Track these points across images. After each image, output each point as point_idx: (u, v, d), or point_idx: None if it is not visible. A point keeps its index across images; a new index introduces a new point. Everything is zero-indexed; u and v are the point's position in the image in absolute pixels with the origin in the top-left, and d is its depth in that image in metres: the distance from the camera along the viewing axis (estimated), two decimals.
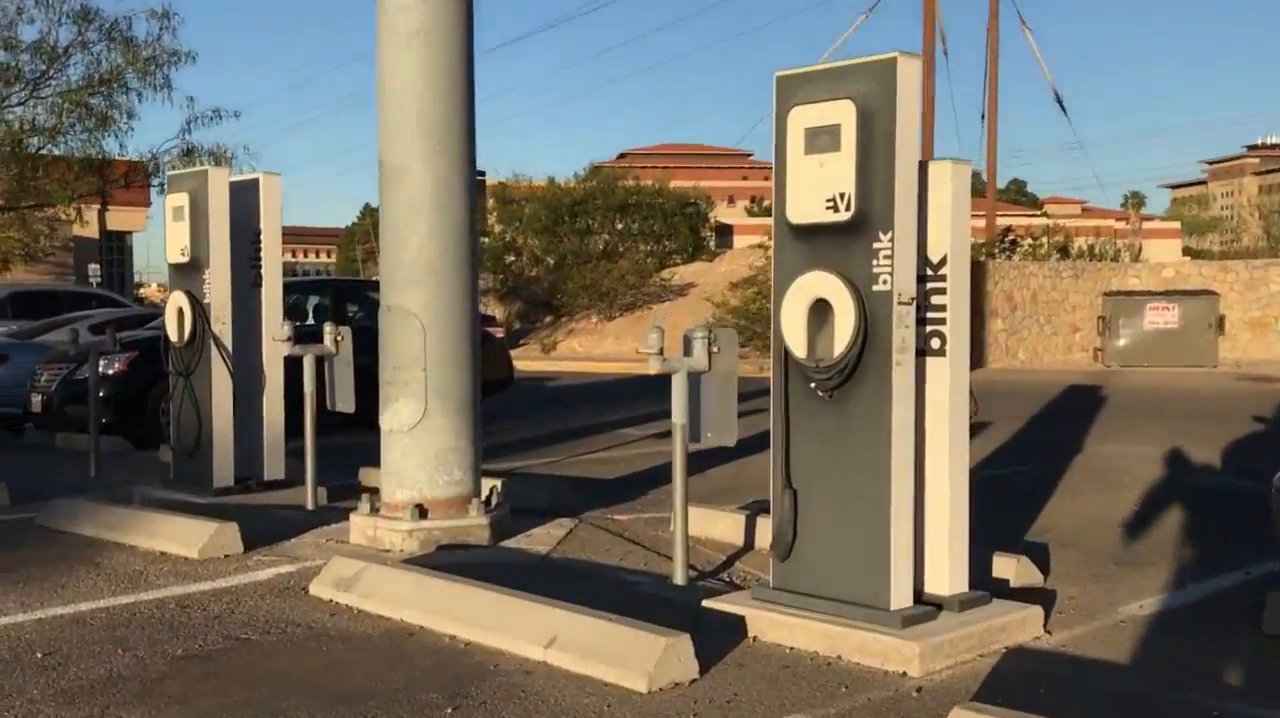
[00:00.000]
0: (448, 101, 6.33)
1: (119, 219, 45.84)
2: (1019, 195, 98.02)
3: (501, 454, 10.66)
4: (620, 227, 39.95)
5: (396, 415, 6.39)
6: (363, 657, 4.48)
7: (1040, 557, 6.08)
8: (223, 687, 4.13)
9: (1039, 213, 68.20)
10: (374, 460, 6.86)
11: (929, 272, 4.71)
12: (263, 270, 7.95)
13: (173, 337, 7.89)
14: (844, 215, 4.54)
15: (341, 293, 13.60)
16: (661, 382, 5.44)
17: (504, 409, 13.78)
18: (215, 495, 7.65)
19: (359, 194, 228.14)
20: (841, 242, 4.59)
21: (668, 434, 5.50)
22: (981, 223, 26.20)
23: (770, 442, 4.80)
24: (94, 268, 31.15)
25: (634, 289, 31.51)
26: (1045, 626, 4.83)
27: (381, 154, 6.46)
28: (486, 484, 7.62)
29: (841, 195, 4.54)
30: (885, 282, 4.49)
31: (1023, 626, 4.73)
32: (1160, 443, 10.36)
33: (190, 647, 4.61)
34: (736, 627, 4.73)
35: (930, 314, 4.72)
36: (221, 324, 7.73)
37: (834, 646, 4.49)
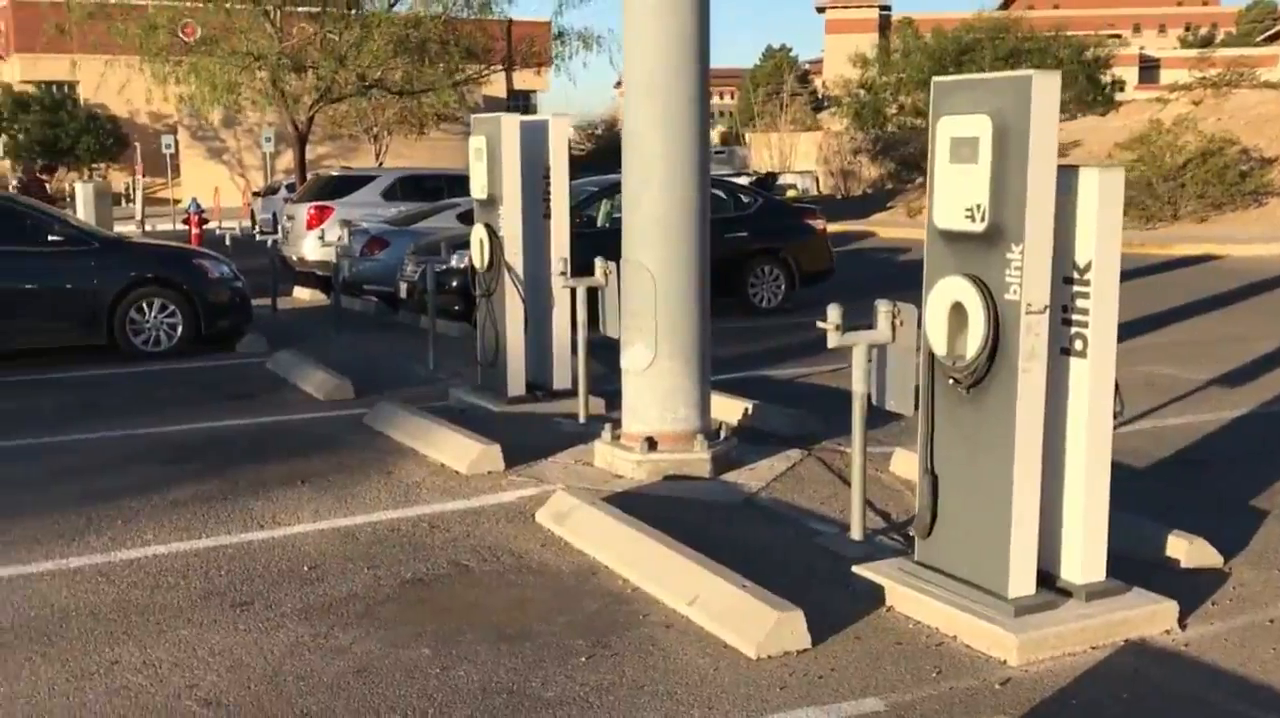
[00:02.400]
0: (679, 74, 6.81)
1: (524, 80, 48.97)
2: None
3: (793, 356, 11.22)
4: None
5: (632, 357, 7.14)
6: (545, 595, 5.33)
7: (1248, 527, 6.06)
8: (424, 615, 5.11)
9: None
10: None
11: (1075, 274, 4.83)
12: (551, 204, 8.82)
13: (476, 263, 8.97)
14: (979, 226, 4.75)
15: None
16: None
17: (834, 292, 14.22)
18: (508, 403, 8.77)
19: (760, 36, 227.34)
20: (977, 250, 4.81)
21: None
22: None
23: (919, 424, 5.16)
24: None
25: None
26: (1187, 618, 4.96)
27: (625, 120, 7.08)
28: (739, 407, 8.33)
29: (977, 206, 4.75)
30: (1015, 292, 4.69)
31: (1151, 619, 4.90)
32: None
33: (419, 570, 5.64)
34: (879, 595, 5.20)
35: (1075, 317, 4.85)
36: (513, 254, 8.71)
37: (953, 626, 4.88)
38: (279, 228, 18.27)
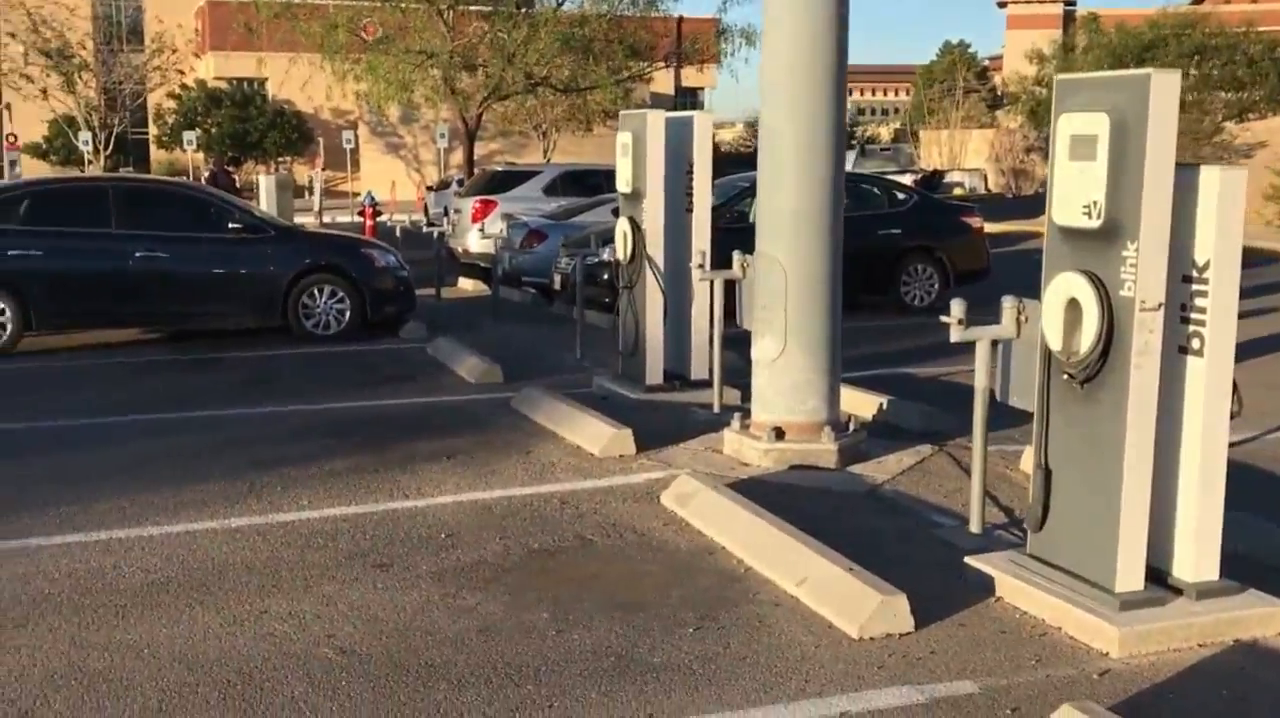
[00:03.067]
0: (814, 74, 6.97)
1: (692, 77, 49.33)
2: None
3: (940, 354, 11.17)
4: (1195, 74, 36.73)
5: (762, 349, 7.32)
6: (662, 570, 5.58)
7: None
8: (546, 583, 5.41)
9: None
10: None
11: (1194, 273, 4.84)
12: (694, 199, 9.05)
13: (620, 255, 9.28)
14: (1095, 223, 4.80)
15: None
16: None
17: (989, 290, 14.10)
18: (645, 392, 9.05)
19: (939, 30, 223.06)
20: (1094, 246, 4.86)
21: None
22: None
23: (1034, 419, 5.23)
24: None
25: (1188, 150, 29.33)
26: None
27: (761, 115, 7.27)
28: (874, 402, 8.43)
29: (1095, 203, 4.80)
30: (1130, 288, 4.73)
31: (1265, 620, 4.86)
32: None
33: (546, 542, 5.96)
34: (989, 585, 5.29)
35: (1193, 315, 4.85)
36: (654, 247, 8.98)
37: (1059, 618, 4.95)
38: (447, 221, 18.99)
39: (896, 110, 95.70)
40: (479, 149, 38.87)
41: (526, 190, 18.64)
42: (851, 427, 7.49)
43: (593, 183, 19.15)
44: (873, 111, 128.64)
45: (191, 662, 4.58)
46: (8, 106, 41.84)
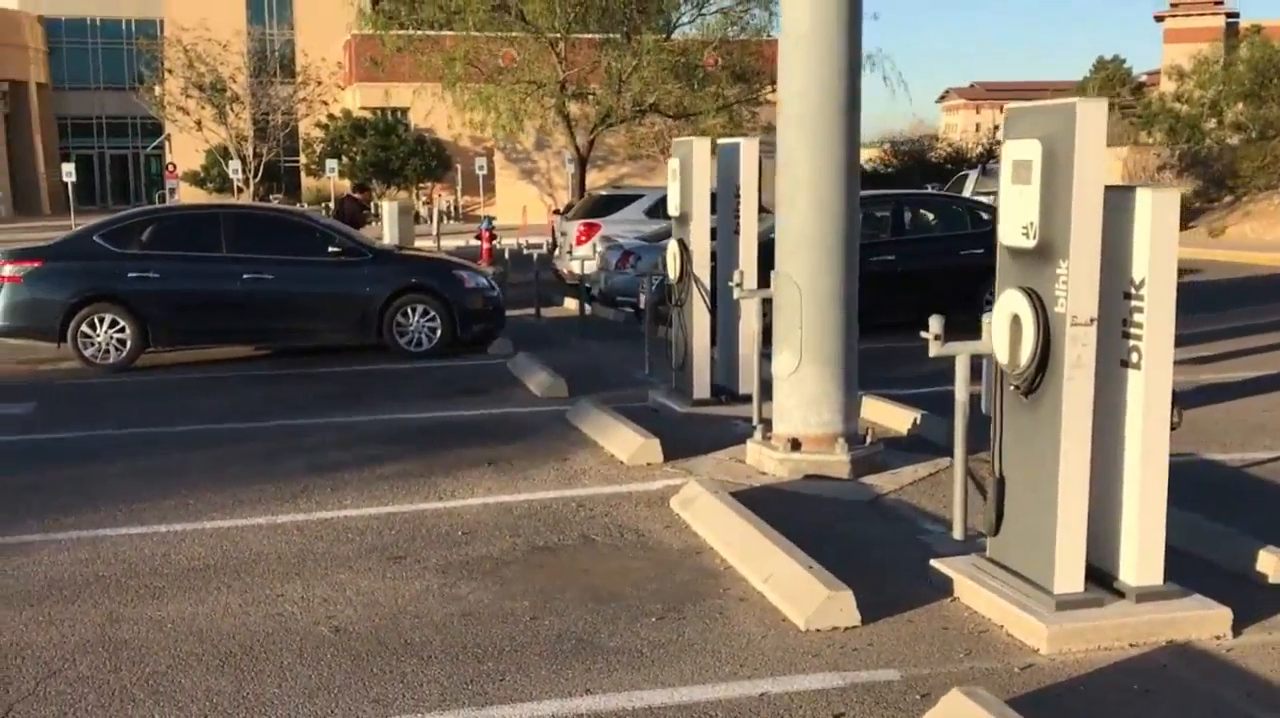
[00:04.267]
0: (825, 104, 7.34)
1: None
2: None
3: None
4: None
5: (779, 363, 7.69)
6: (648, 566, 6.01)
7: None
8: (538, 575, 5.89)
9: None
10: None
11: (1131, 290, 5.08)
12: (741, 221, 9.46)
13: (670, 275, 9.74)
14: (1031, 242, 5.09)
15: (901, 206, 14.73)
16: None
17: None
18: (693, 405, 9.48)
19: (1094, 47, 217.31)
20: (1032, 265, 5.15)
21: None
22: None
23: (990, 429, 5.51)
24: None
25: None
26: (1245, 627, 5.08)
27: (778, 141, 7.67)
28: (909, 417, 8.70)
29: (1031, 224, 5.09)
30: (1063, 304, 5.00)
31: (1200, 623, 5.05)
32: None
33: (551, 540, 6.44)
34: (949, 587, 5.58)
35: (1132, 330, 5.09)
36: (701, 267, 9.42)
37: (1002, 617, 5.22)
38: (556, 244, 19.67)
39: None
40: (610, 173, 39.80)
41: (629, 213, 19.20)
42: (869, 439, 7.79)
43: None
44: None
45: (204, 635, 5.20)
46: (168, 137, 44.45)
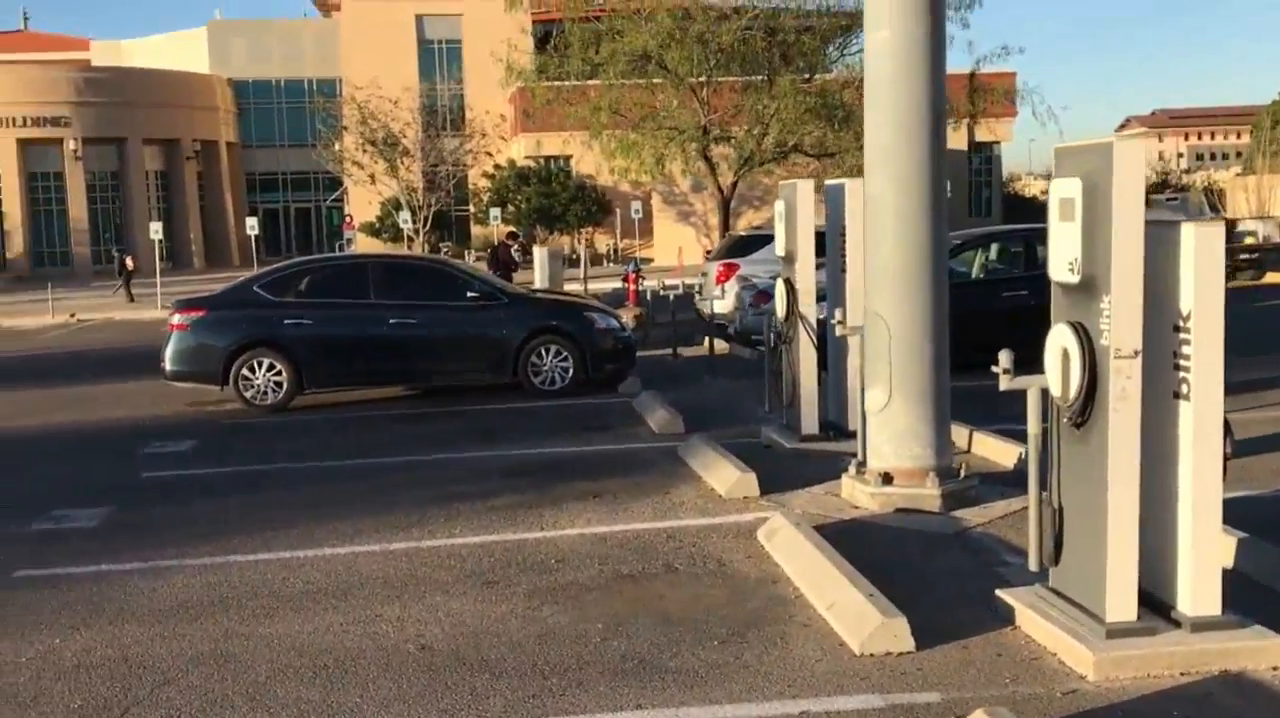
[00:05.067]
0: (911, 142, 7.54)
1: (988, 130, 48.70)
2: None
3: None
4: None
5: (871, 399, 7.87)
6: (723, 593, 6.27)
7: None
8: (616, 601, 6.22)
9: None
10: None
11: (1180, 323, 5.15)
12: (847, 260, 9.66)
13: (779, 313, 9.99)
14: (1075, 278, 5.23)
15: (1034, 241, 14.62)
16: None
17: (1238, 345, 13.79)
18: (800, 441, 9.68)
19: None
20: (1078, 300, 5.28)
21: None
22: None
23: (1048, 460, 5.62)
24: None
25: None
26: None
27: (865, 183, 7.88)
28: (1015, 452, 8.74)
29: (1075, 260, 5.23)
30: (1108, 338, 5.11)
31: (1256, 654, 5.06)
32: None
33: (635, 568, 6.77)
34: (1011, 616, 5.69)
35: (1181, 362, 5.16)
36: (807, 305, 9.65)
37: (1056, 644, 5.31)
38: (699, 284, 20.06)
39: (1239, 154, 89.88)
40: (765, 214, 40.03)
41: (767, 254, 19.37)
42: (962, 474, 7.88)
43: None
44: (1211, 157, 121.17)
45: (304, 650, 5.69)
46: (345, 190, 46.67)
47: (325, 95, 47.33)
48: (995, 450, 9.06)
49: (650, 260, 41.79)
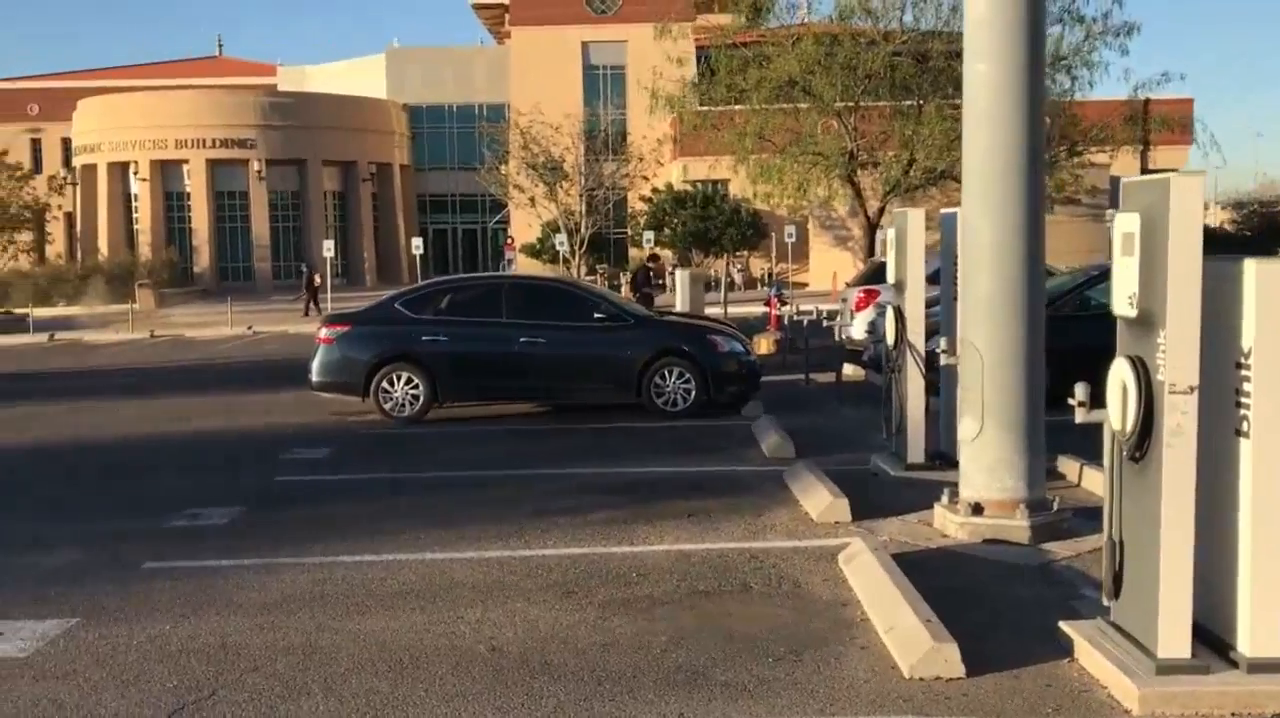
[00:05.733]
0: (1006, 173, 7.56)
1: (1163, 158, 47.15)
2: None
3: None
4: None
5: (963, 428, 7.89)
6: (790, 613, 6.41)
7: None
8: (686, 615, 6.41)
9: None
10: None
11: (1241, 359, 5.11)
12: (958, 289, 9.66)
13: (888, 341, 10.04)
14: (1133, 312, 5.24)
15: None
16: None
17: None
18: (906, 469, 9.71)
19: None
20: (1137, 333, 5.28)
21: None
22: None
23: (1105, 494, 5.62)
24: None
25: None
26: None
27: (960, 211, 7.93)
28: None
29: (1133, 295, 5.25)
30: (1163, 373, 5.11)
31: None
32: None
33: (711, 585, 6.95)
34: (1071, 648, 5.69)
35: (1242, 399, 5.12)
36: (915, 334, 9.68)
37: (1108, 678, 5.30)
38: (840, 310, 20.07)
39: None
40: (926, 239, 39.59)
41: None
42: (1056, 506, 7.83)
43: None
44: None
45: (385, 646, 6.05)
46: (507, 212, 47.98)
47: (492, 121, 48.76)
48: (1099, 483, 8.91)
49: (805, 285, 41.72)
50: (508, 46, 56.62)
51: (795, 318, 19.94)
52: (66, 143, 61.42)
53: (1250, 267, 5.03)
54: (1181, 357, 5.07)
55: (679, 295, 22.26)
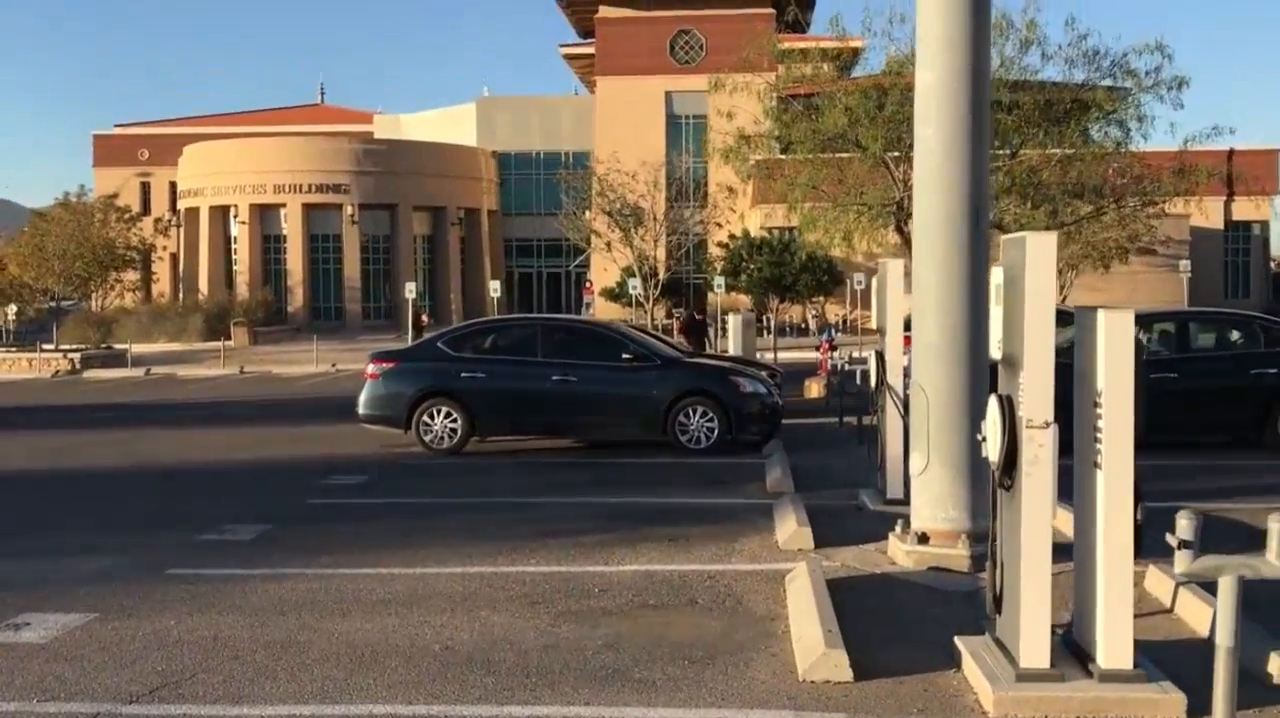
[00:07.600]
0: (948, 225, 8.18)
1: (1244, 209, 46.72)
2: None
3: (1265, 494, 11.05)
4: None
5: (912, 463, 8.47)
6: (722, 625, 7.04)
7: None
8: (627, 624, 7.07)
9: None
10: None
11: (1098, 399, 5.68)
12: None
13: (872, 381, 10.64)
14: (999, 355, 5.85)
15: (1186, 324, 14.62)
16: None
17: None
18: (885, 504, 10.26)
19: None
20: (1005, 375, 5.89)
21: None
22: None
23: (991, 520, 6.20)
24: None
25: None
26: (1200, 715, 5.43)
27: (913, 263, 8.55)
28: None
29: (1000, 340, 5.86)
30: (1023, 409, 5.70)
31: (1153, 706, 5.47)
32: None
33: (662, 599, 7.61)
34: (959, 660, 6.26)
35: (1099, 435, 5.68)
36: (894, 376, 10.27)
37: (978, 685, 5.86)
38: None
39: None
40: None
41: None
42: None
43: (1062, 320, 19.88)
44: None
45: (353, 643, 6.83)
46: (588, 257, 49.13)
47: (573, 169, 50.06)
48: (1067, 523, 9.39)
49: (835, 331, 42.02)
50: (593, 96, 58.04)
51: (848, 365, 20.45)
52: (174, 186, 64.22)
53: (1102, 316, 5.62)
54: (1037, 395, 5.67)
55: (731, 339, 22.88)
